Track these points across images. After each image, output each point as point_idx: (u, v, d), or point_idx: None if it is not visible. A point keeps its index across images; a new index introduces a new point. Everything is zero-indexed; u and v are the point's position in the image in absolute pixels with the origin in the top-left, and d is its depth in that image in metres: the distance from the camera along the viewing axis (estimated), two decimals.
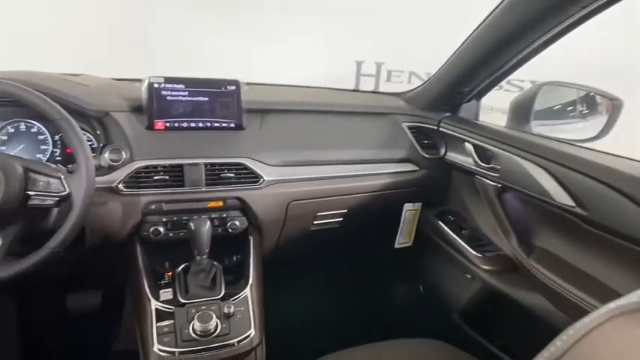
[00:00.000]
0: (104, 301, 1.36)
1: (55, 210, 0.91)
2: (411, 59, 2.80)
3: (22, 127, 1.02)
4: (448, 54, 1.17)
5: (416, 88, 1.37)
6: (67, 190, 0.84)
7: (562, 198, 0.91)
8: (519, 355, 1.11)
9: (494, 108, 2.19)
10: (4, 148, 1.01)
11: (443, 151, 1.30)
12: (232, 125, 1.11)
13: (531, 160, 0.98)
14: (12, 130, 1.02)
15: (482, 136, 1.13)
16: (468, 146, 1.18)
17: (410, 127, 1.30)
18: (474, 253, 1.18)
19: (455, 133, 1.22)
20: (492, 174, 1.11)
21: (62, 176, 0.84)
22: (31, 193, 0.80)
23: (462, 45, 1.11)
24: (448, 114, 1.30)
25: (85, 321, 1.34)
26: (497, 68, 1.10)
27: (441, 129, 1.27)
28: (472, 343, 1.19)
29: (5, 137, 1.01)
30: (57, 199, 0.83)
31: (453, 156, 1.27)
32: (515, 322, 1.16)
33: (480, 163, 1.15)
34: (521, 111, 1.14)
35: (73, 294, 1.33)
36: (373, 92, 1.55)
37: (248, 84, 1.13)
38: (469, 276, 1.21)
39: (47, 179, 0.83)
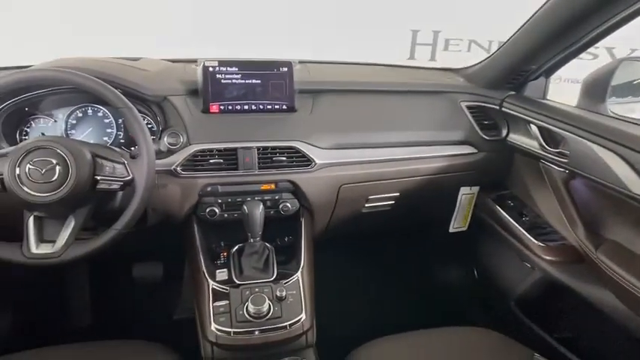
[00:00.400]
0: (165, 274, 1.45)
1: (120, 193, 0.96)
2: (471, 26, 2.63)
3: (89, 111, 1.08)
4: (515, 18, 1.07)
5: (477, 64, 1.28)
6: (131, 176, 0.88)
7: (638, 188, 0.83)
8: (581, 350, 1.06)
9: (562, 78, 2.02)
10: (73, 132, 1.07)
11: (505, 132, 1.22)
12: (284, 107, 1.10)
13: (605, 146, 0.89)
14: (80, 115, 1.08)
15: (549, 118, 1.04)
16: (534, 128, 1.10)
17: (469, 107, 1.23)
18: (535, 241, 1.11)
19: (519, 114, 1.13)
20: (560, 159, 1.03)
21: (126, 162, 0.89)
22: (98, 177, 0.85)
23: (532, 17, 1.01)
24: (512, 93, 1.21)
25: (149, 290, 1.44)
26: (572, 43, 1.00)
27: (503, 109, 1.19)
28: (528, 333, 1.15)
29: (74, 121, 1.07)
30: (121, 183, 0.87)
31: (516, 138, 1.19)
32: (577, 315, 1.10)
33: (547, 146, 1.07)
34: (596, 89, 1.03)
35: (138, 266, 1.43)
36: (430, 69, 1.47)
37: (300, 62, 1.11)
38: (528, 265, 1.15)
39: (112, 165, 0.87)
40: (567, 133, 0.99)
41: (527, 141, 1.14)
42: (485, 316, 1.02)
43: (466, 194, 1.26)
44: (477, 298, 1.40)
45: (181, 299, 1.43)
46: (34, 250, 0.86)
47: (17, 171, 0.80)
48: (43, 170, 0.81)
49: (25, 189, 0.80)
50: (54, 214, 0.88)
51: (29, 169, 0.80)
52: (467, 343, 0.96)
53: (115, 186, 0.87)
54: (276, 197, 1.09)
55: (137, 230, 1.07)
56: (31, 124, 1.06)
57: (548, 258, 1.09)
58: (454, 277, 1.49)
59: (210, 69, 1.05)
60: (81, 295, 1.43)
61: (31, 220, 0.87)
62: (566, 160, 1.01)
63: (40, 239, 0.87)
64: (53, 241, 0.87)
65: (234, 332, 0.88)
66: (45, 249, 0.86)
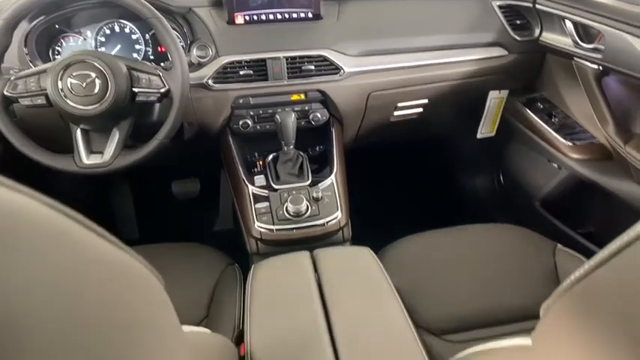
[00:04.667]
0: (202, 189, 1.53)
1: (158, 105, 1.00)
2: None
3: (117, 28, 1.08)
4: None
5: None
6: (167, 87, 0.90)
7: None
8: (605, 242, 1.11)
9: None
10: (103, 49, 1.09)
11: (538, 32, 1.18)
12: (310, 15, 1.08)
13: None
14: (108, 32, 1.08)
15: (586, 12, 1.00)
16: (569, 24, 1.06)
17: (501, 7, 1.18)
18: (564, 141, 1.12)
19: (554, 10, 1.09)
20: (594, 55, 1.00)
21: (161, 74, 0.91)
22: (136, 90, 0.88)
23: None
24: None
25: (188, 205, 1.54)
26: None
27: (537, 6, 1.14)
28: (553, 230, 1.20)
29: (103, 39, 1.08)
30: (159, 95, 0.91)
31: (550, 37, 1.15)
32: (603, 210, 1.14)
33: (581, 43, 1.04)
34: None
35: (176, 181, 1.51)
36: None
37: None
38: (555, 165, 1.18)
39: (148, 76, 0.90)
40: (604, 27, 0.95)
41: (561, 39, 1.10)
42: (510, 218, 1.06)
43: (495, 98, 1.25)
44: (501, 201, 1.44)
45: (219, 213, 1.52)
46: (85, 160, 0.92)
47: (60, 85, 0.83)
48: (84, 84, 0.84)
49: (70, 102, 0.84)
50: (99, 127, 0.93)
51: (71, 83, 0.84)
52: (492, 237, 1.01)
53: (153, 98, 0.91)
54: (306, 108, 1.11)
55: (175, 145, 1.12)
56: (61, 42, 1.07)
57: (576, 157, 1.10)
58: (480, 183, 1.53)
59: None
60: (126, 212, 1.54)
61: (78, 133, 0.92)
62: (600, 56, 0.98)
63: (90, 151, 0.93)
64: (101, 153, 0.92)
65: (277, 229, 0.96)
66: (95, 159, 0.92)
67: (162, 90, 0.90)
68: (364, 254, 0.79)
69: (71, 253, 0.25)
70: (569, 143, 1.12)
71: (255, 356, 0.62)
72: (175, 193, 1.50)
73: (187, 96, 0.92)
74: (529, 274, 0.90)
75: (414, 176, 1.69)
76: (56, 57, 1.07)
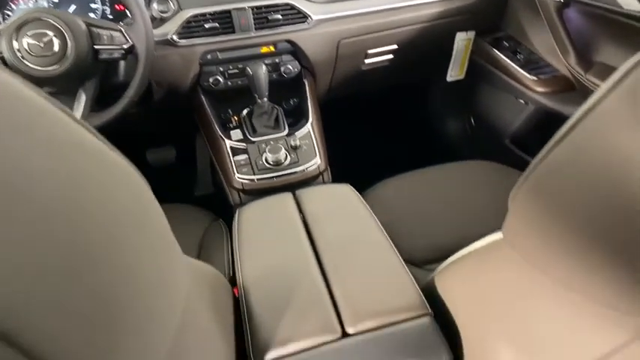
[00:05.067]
0: (178, 156, 1.51)
1: (123, 64, 0.97)
2: None
3: None
4: None
5: None
6: (130, 42, 0.87)
7: (628, 4, 0.84)
8: None
9: None
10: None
11: None
12: None
13: None
14: None
15: None
16: None
17: None
18: (529, 76, 1.16)
19: None
20: None
21: (122, 29, 0.88)
22: (98, 47, 0.85)
23: None
24: None
25: (166, 173, 1.52)
26: None
27: None
28: (522, 163, 1.24)
29: (56, 0, 1.03)
30: (122, 51, 0.88)
31: None
32: None
33: None
34: None
35: (151, 150, 1.48)
36: None
37: None
38: (522, 101, 1.21)
39: (109, 32, 0.86)
40: None
41: None
42: (482, 156, 1.10)
43: (462, 40, 1.26)
44: (473, 141, 1.49)
45: (198, 178, 1.51)
46: None
47: (16, 45, 0.79)
48: (42, 43, 0.80)
49: (28, 64, 0.80)
50: (63, 90, 0.89)
51: (28, 43, 0.80)
52: (467, 173, 1.05)
53: (117, 55, 0.88)
54: (277, 60, 1.10)
55: (146, 108, 1.09)
56: (10, 5, 1.01)
57: (541, 90, 1.14)
58: (453, 126, 1.56)
59: None
60: None
61: None
62: None
63: None
64: None
65: (258, 179, 0.96)
66: None
67: (126, 46, 0.87)
68: (346, 190, 0.81)
69: (63, 135, 0.26)
70: (534, 78, 1.15)
71: (248, 292, 0.64)
72: (151, 162, 1.47)
73: (153, 50, 0.90)
74: (503, 203, 0.94)
75: (389, 124, 1.71)
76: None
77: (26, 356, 0.20)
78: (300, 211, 0.77)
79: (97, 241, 0.26)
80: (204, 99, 1.08)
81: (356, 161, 1.33)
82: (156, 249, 0.34)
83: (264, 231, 0.73)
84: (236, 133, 1.04)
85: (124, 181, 0.32)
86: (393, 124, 1.71)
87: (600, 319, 0.38)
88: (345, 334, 0.58)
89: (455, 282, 0.60)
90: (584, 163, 0.35)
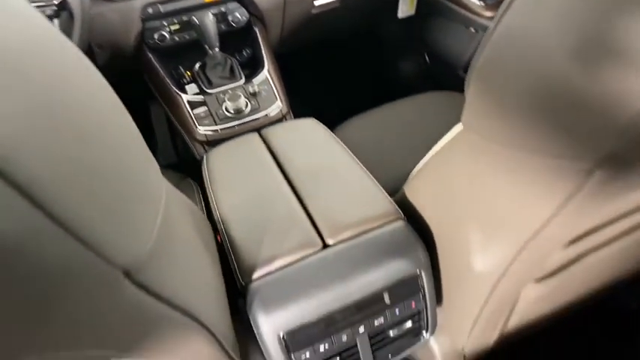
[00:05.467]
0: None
1: (57, 22, 0.91)
2: None
3: None
4: None
5: None
6: None
7: None
8: None
9: None
10: None
11: None
12: None
13: None
14: None
15: None
16: None
17: None
18: (477, 2, 1.17)
19: None
20: None
21: None
22: None
23: None
24: None
25: None
26: None
27: None
28: None
29: None
30: (54, 7, 0.82)
31: None
32: None
33: None
34: None
35: None
36: None
37: None
38: (473, 29, 1.23)
39: None
40: None
41: None
42: (440, 89, 1.12)
43: None
44: (430, 75, 1.50)
45: (158, 149, 1.46)
46: None
47: None
48: None
49: None
50: None
51: None
52: (430, 104, 1.06)
53: (49, 12, 0.82)
54: (223, 9, 1.06)
55: None
56: None
57: (489, 14, 1.16)
58: (409, 63, 1.57)
59: None
60: None
61: None
62: None
63: None
64: None
65: (221, 129, 0.95)
66: None
67: (57, 1, 0.82)
68: (311, 123, 0.81)
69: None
70: (482, 3, 1.17)
71: (228, 224, 0.63)
72: None
73: (87, 8, 0.85)
74: None
75: (347, 70, 1.71)
76: None
77: (20, 192, 0.22)
78: (268, 147, 0.77)
79: (83, 112, 0.29)
80: (152, 57, 1.04)
81: (318, 108, 1.32)
82: (136, 146, 0.36)
83: (234, 169, 0.72)
84: (191, 88, 1.01)
85: (103, 85, 0.34)
86: (351, 69, 1.70)
87: (554, 169, 0.40)
88: (325, 246, 0.59)
89: (423, 184, 0.62)
90: (518, 39, 0.37)
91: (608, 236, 0.61)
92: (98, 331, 0.31)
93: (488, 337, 0.70)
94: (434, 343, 0.73)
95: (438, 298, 0.66)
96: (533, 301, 0.65)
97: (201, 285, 0.47)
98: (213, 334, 0.44)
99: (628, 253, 0.69)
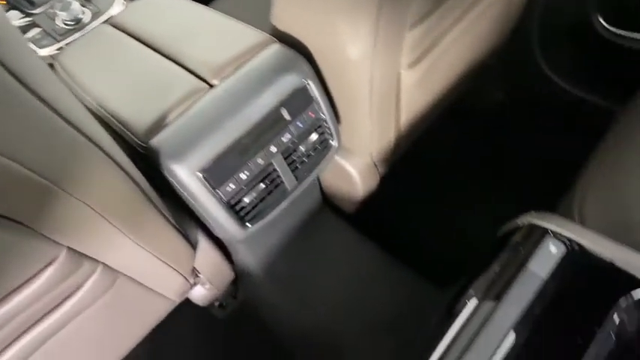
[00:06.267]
0: None
1: None
2: None
3: None
4: None
5: None
6: None
7: None
8: None
9: None
10: None
11: None
12: None
13: None
14: None
15: None
16: None
17: None
18: None
19: None
20: None
21: None
22: None
23: None
24: None
25: None
26: None
27: None
28: None
29: None
30: None
31: None
32: None
33: None
34: None
35: None
36: None
37: None
38: None
39: None
40: None
41: None
42: None
43: None
44: None
45: None
46: None
47: None
48: None
49: None
50: None
51: None
52: None
53: None
54: None
55: None
56: None
57: None
58: None
59: None
60: None
61: None
62: None
63: None
64: None
65: (66, 44, 0.85)
66: None
67: None
68: None
69: None
70: None
71: (106, 102, 0.60)
72: None
73: None
74: None
75: None
76: None
77: None
78: (125, 30, 0.72)
79: None
80: None
81: None
82: None
83: (94, 58, 0.68)
84: (14, 14, 0.88)
85: None
86: None
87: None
88: (211, 87, 0.59)
89: (287, 8, 0.63)
90: None
91: (454, 17, 0.68)
92: None
93: (387, 136, 0.77)
94: (345, 163, 0.79)
95: (337, 118, 0.71)
96: (413, 87, 0.73)
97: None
98: (120, 167, 0.43)
99: (480, 29, 0.79)
